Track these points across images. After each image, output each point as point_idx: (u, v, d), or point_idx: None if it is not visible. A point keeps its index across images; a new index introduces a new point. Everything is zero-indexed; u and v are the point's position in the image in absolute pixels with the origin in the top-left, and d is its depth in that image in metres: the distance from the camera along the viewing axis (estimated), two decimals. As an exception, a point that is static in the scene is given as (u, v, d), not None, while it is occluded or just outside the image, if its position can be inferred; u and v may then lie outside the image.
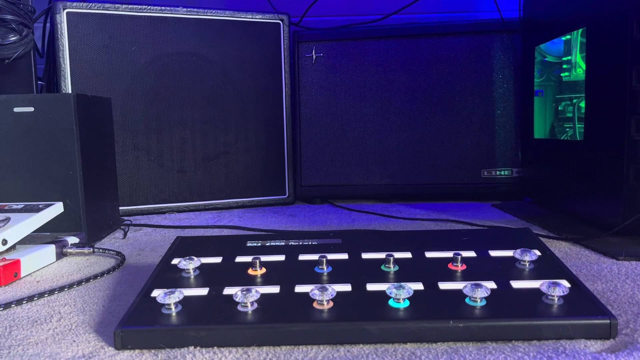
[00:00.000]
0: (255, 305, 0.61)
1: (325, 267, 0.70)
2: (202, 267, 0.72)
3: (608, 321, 0.57)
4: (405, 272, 0.69)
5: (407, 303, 0.60)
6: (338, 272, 0.70)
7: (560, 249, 0.97)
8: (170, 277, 0.70)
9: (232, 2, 1.81)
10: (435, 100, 1.51)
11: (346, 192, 1.56)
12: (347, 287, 0.65)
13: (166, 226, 1.27)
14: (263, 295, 0.62)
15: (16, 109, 1.03)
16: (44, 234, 1.00)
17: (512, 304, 0.60)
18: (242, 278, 0.69)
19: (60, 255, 0.96)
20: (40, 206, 0.98)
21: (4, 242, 0.85)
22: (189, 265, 0.71)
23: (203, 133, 1.47)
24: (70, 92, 1.33)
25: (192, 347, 0.57)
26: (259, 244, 0.80)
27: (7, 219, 0.90)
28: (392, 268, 0.70)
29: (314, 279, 0.68)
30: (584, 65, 1.15)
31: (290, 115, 1.55)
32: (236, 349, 0.57)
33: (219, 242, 0.82)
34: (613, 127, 0.97)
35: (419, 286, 0.65)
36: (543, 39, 1.28)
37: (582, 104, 1.14)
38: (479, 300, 0.60)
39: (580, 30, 1.16)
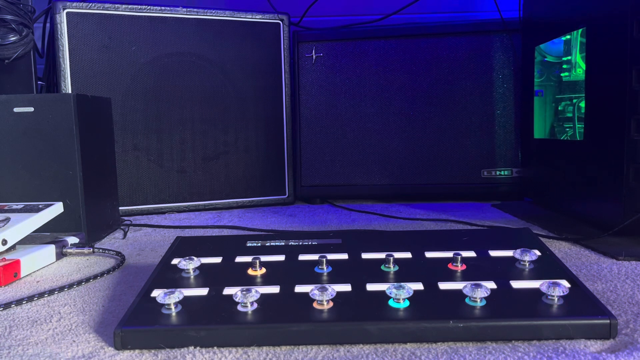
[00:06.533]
0: (255, 305, 0.61)
1: (325, 267, 0.70)
2: (202, 267, 0.72)
3: (608, 321, 0.57)
4: (405, 272, 0.69)
5: (407, 303, 0.60)
6: (338, 272, 0.70)
7: (560, 249, 0.97)
8: (170, 277, 0.70)
9: (232, 2, 1.82)
10: (435, 100, 1.51)
11: (346, 192, 1.56)
12: (347, 287, 0.65)
13: (166, 226, 1.27)
14: (263, 295, 0.62)
15: (16, 109, 1.03)
16: (44, 234, 1.00)
17: (512, 304, 0.60)
18: (242, 278, 0.69)
19: (60, 255, 0.96)
20: (40, 206, 0.98)
21: (4, 242, 0.85)
22: (189, 265, 0.71)
23: (203, 133, 1.47)
24: (70, 92, 1.33)
25: (192, 347, 0.57)
26: (259, 244, 0.80)
27: (7, 219, 0.90)
28: (392, 268, 0.70)
29: (314, 279, 0.68)
30: (584, 65, 1.15)
31: (290, 115, 1.55)
32: (236, 349, 0.57)
33: (219, 242, 0.82)
34: (613, 127, 0.97)
35: (419, 286, 0.65)
36: (543, 39, 1.28)
37: (582, 104, 1.14)
38: (479, 300, 0.60)
39: (580, 30, 1.16)
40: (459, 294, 0.62)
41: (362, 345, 0.57)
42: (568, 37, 1.23)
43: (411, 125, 1.52)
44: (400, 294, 0.60)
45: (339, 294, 0.62)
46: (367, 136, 1.54)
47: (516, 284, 0.65)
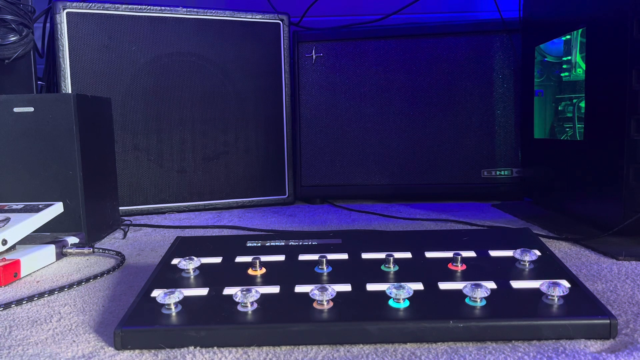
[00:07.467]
0: (255, 305, 0.61)
1: (325, 267, 0.70)
2: (202, 267, 0.72)
3: (608, 321, 0.57)
4: (405, 272, 0.69)
5: (407, 303, 0.60)
6: (338, 272, 0.70)
7: (560, 249, 0.97)
8: (170, 277, 0.70)
9: (232, 2, 1.82)
10: (435, 100, 1.51)
11: (346, 192, 1.56)
12: (347, 287, 0.65)
13: (166, 226, 1.27)
14: (263, 295, 0.62)
15: (16, 109, 1.03)
16: (44, 234, 1.00)
17: (512, 304, 0.60)
18: (242, 278, 0.69)
19: (60, 255, 0.96)
20: (40, 206, 0.98)
21: (4, 242, 0.85)
22: (189, 265, 0.71)
23: (203, 133, 1.47)
24: (70, 92, 1.33)
25: (192, 347, 0.57)
26: (259, 244, 0.80)
27: (7, 219, 0.90)
28: (392, 268, 0.70)
29: (314, 279, 0.68)
30: (584, 65, 1.15)
31: (290, 115, 1.55)
32: (236, 349, 0.57)
33: (219, 242, 0.82)
34: (613, 127, 0.97)
35: (419, 286, 0.65)
36: (543, 39, 1.28)
37: (582, 104, 1.14)
38: (479, 300, 0.60)
39: (580, 30, 1.16)
40: (459, 294, 0.62)
41: (362, 345, 0.57)
42: (568, 37, 1.23)
43: (411, 125, 1.52)
44: (400, 294, 0.60)
45: (339, 294, 0.62)
46: (367, 136, 1.54)
47: (516, 284, 0.65)
